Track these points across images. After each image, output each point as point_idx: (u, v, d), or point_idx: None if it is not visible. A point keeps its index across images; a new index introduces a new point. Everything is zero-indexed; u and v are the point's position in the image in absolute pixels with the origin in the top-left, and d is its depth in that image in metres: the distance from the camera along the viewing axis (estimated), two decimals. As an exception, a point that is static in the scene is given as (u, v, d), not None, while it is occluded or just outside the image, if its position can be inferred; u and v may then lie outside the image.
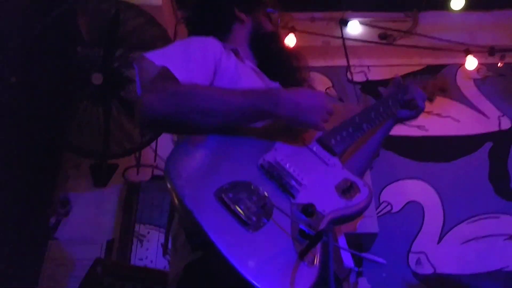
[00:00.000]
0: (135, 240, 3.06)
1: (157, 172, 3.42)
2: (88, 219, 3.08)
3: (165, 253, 1.30)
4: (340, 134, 1.33)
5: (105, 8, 2.68)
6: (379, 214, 3.43)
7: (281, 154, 1.20)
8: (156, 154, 3.47)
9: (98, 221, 3.07)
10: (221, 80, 1.32)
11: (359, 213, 1.16)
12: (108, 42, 2.74)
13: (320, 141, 1.30)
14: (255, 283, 0.90)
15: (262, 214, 1.02)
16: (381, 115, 1.45)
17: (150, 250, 3.05)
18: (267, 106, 1.17)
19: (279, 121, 1.21)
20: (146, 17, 2.71)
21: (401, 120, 1.55)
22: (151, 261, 3.02)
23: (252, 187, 1.07)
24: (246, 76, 1.41)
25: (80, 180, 3.11)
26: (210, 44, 1.41)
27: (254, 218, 1.00)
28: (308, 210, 1.06)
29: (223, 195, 1.01)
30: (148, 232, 3.11)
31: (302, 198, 1.11)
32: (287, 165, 1.17)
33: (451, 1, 3.66)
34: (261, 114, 1.19)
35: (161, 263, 2.98)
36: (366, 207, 1.18)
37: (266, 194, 1.07)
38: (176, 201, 0.99)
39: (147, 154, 3.44)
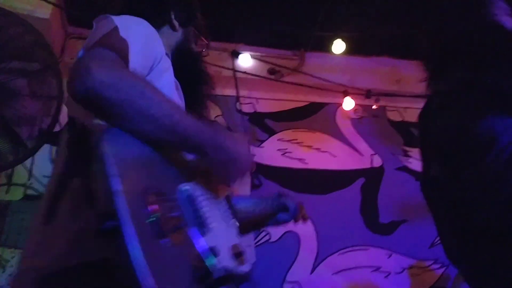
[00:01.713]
0: (-4, 265, 2.83)
1: (30, 191, 3.21)
2: None
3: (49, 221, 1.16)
4: (245, 203, 1.50)
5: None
6: (258, 243, 3.50)
7: (199, 191, 1.17)
8: (30, 174, 3.27)
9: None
10: (154, 81, 1.20)
11: (239, 281, 1.14)
12: (-19, 50, 2.55)
13: (227, 199, 1.31)
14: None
15: (175, 231, 0.97)
16: (271, 207, 1.77)
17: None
18: (209, 148, 1.14)
19: (202, 160, 1.18)
20: (25, 25, 2.55)
21: (278, 221, 1.81)
22: (14, 289, 2.79)
23: (176, 204, 1.04)
24: (170, 85, 1.36)
25: None
26: (158, 41, 1.34)
27: (168, 230, 0.95)
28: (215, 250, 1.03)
29: (149, 193, 0.96)
30: (13, 257, 2.88)
31: (208, 239, 1.06)
32: (203, 203, 1.14)
33: (333, 45, 3.87)
34: (196, 148, 1.15)
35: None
36: (246, 280, 1.16)
37: (183, 216, 1.04)
38: (102, 172, 0.90)
39: (20, 173, 3.22)
